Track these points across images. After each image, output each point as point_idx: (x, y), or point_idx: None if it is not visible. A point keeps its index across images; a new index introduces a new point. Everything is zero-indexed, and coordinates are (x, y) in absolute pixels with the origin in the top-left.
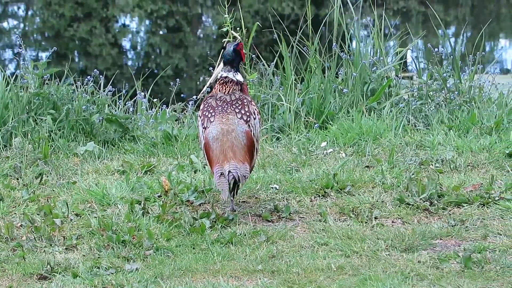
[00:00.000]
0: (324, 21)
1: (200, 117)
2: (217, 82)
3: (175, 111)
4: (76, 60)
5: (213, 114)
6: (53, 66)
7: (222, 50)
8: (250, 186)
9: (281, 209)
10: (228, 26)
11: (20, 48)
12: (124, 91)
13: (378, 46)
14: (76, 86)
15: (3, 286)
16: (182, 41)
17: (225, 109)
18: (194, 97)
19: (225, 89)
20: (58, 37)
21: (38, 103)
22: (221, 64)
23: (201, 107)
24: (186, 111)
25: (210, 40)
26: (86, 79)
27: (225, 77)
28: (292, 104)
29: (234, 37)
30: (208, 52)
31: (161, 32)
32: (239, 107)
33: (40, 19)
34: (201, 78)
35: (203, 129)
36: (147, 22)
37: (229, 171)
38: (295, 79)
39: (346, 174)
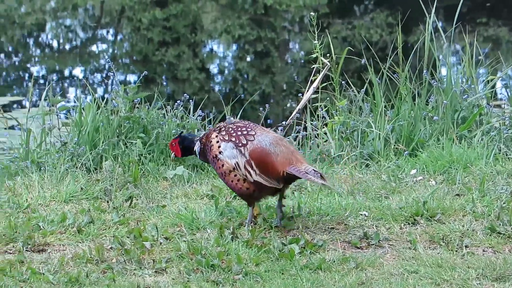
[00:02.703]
0: (415, 48)
1: (227, 141)
2: (202, 139)
3: None
4: (164, 84)
5: (245, 132)
6: (142, 90)
7: (181, 142)
8: (339, 212)
9: (371, 236)
10: (317, 52)
11: (111, 72)
12: (211, 115)
13: (469, 74)
14: (166, 110)
15: None
16: (269, 67)
17: (252, 127)
18: (283, 122)
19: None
20: (146, 61)
21: (128, 127)
22: (311, 90)
23: (219, 136)
24: None
25: (297, 66)
26: (176, 103)
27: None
28: (382, 131)
29: (323, 63)
30: (296, 78)
31: (248, 58)
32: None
33: (128, 43)
34: (288, 104)
35: (243, 145)
36: (235, 47)
37: (313, 170)
38: (385, 106)
39: (436, 202)
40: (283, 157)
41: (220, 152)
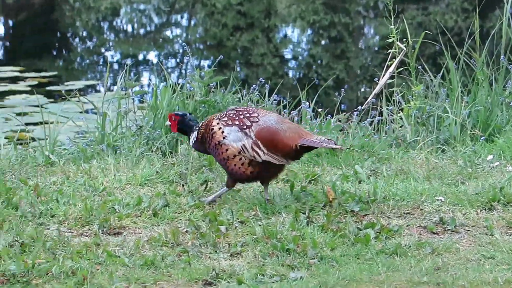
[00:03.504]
0: (492, 33)
1: (230, 125)
2: (201, 129)
3: (339, 121)
4: (238, 69)
5: (248, 114)
6: (216, 75)
7: (180, 120)
8: (414, 197)
9: (447, 221)
10: (394, 37)
11: (186, 57)
12: (284, 100)
13: None
14: (241, 94)
15: None
16: (343, 52)
17: (253, 110)
18: (359, 107)
19: (213, 115)
20: (220, 46)
21: (204, 111)
22: (387, 75)
23: (221, 122)
24: (351, 121)
25: (371, 51)
26: (251, 87)
27: (203, 121)
28: (458, 117)
29: (400, 48)
30: (370, 64)
31: (322, 43)
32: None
33: (202, 28)
34: (362, 90)
35: (248, 127)
36: (309, 32)
37: (326, 138)
38: (462, 91)
39: None
40: (291, 132)
41: (224, 138)
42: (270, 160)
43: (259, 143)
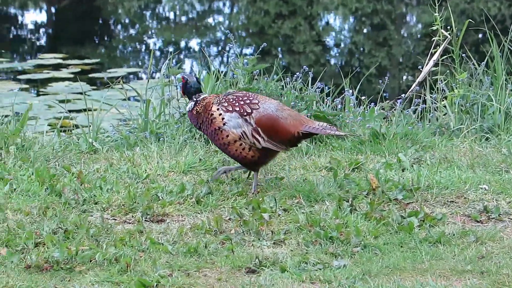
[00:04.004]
0: None
1: (231, 111)
2: (198, 103)
3: (383, 109)
4: (280, 56)
5: (248, 101)
6: (259, 62)
7: (183, 84)
8: (458, 186)
9: (491, 209)
10: (438, 24)
11: (230, 44)
12: (326, 88)
13: None
14: (285, 82)
15: (212, 278)
16: (386, 40)
17: (253, 96)
18: (403, 95)
19: (213, 96)
20: (262, 33)
21: None
22: (431, 63)
23: (221, 107)
24: (394, 109)
25: (413, 39)
26: (295, 75)
27: (204, 98)
28: (502, 105)
29: (444, 36)
30: (412, 51)
31: (364, 30)
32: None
33: (244, 15)
34: (404, 77)
35: (248, 114)
36: (351, 19)
37: (328, 125)
38: (506, 79)
39: None
40: (292, 119)
41: (224, 124)
42: (270, 147)
43: (259, 130)
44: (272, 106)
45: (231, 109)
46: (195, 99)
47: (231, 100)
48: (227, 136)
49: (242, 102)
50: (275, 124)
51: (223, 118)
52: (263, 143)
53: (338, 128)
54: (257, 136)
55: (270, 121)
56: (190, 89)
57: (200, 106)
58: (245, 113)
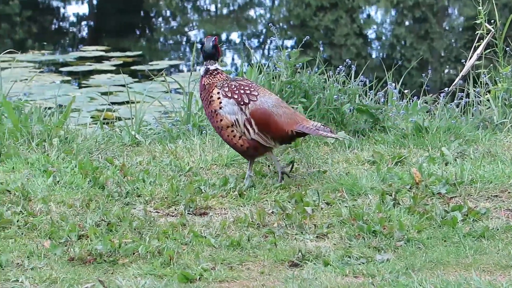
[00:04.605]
0: None
1: (229, 97)
2: (208, 75)
3: (426, 102)
4: (321, 49)
5: (248, 91)
6: (300, 55)
7: (201, 45)
8: (502, 180)
9: None
10: (481, 18)
11: (273, 37)
12: (367, 81)
13: None
14: (327, 75)
15: (255, 271)
16: (428, 33)
17: (255, 87)
18: (446, 89)
19: (221, 77)
20: (303, 26)
21: (289, 91)
22: (474, 56)
23: (221, 92)
24: (438, 103)
25: (456, 32)
26: (338, 68)
27: (216, 69)
28: None
29: (488, 29)
30: (454, 45)
31: (406, 23)
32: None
33: (285, 8)
34: (446, 71)
35: (245, 104)
36: (393, 12)
37: (322, 125)
38: None
39: None
40: (287, 117)
41: (220, 108)
42: (259, 140)
43: (252, 121)
44: (270, 101)
45: (230, 95)
46: (206, 66)
47: (233, 86)
48: (221, 120)
49: (242, 91)
50: (268, 119)
51: (220, 102)
52: (253, 134)
53: (331, 129)
54: (248, 127)
55: (264, 115)
56: (204, 53)
57: (208, 80)
58: (242, 102)
